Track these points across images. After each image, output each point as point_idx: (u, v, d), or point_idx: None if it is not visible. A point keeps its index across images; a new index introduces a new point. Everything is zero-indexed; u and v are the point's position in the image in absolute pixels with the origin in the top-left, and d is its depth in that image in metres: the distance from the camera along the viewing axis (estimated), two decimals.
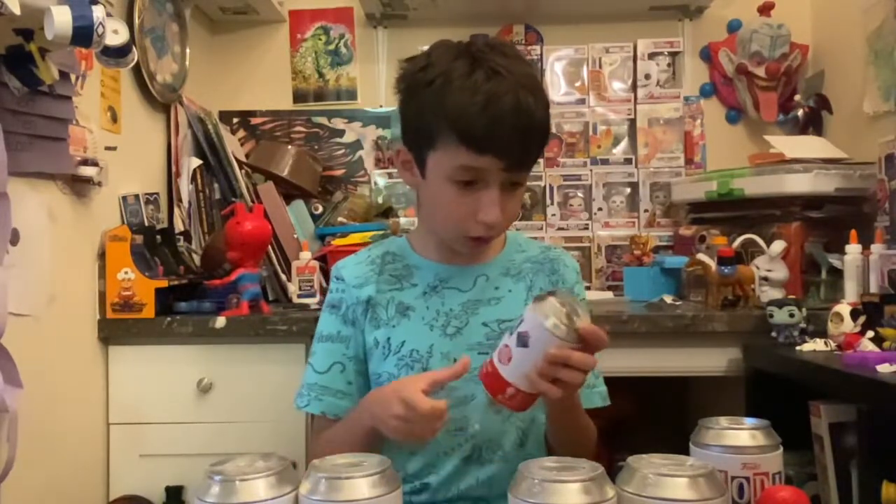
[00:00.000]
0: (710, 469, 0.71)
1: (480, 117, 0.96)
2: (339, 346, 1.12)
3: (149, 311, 1.60)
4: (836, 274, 1.67)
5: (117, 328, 1.61)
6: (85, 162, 1.51)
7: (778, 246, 1.69)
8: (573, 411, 1.05)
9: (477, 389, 1.04)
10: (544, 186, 2.24)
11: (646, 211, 2.23)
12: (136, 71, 1.80)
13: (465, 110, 0.96)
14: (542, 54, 2.28)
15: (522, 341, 0.85)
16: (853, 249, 1.58)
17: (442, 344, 1.09)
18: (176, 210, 1.91)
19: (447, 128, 0.98)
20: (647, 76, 2.26)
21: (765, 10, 2.23)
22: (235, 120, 2.35)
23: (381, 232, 1.95)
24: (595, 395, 1.16)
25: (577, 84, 2.28)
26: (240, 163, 2.05)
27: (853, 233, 1.60)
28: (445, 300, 1.11)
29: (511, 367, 0.87)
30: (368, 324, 1.12)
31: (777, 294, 1.66)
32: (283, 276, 1.95)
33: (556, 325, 0.84)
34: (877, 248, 1.56)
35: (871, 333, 1.36)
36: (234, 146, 2.14)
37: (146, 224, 1.76)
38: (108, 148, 1.62)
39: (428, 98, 1.00)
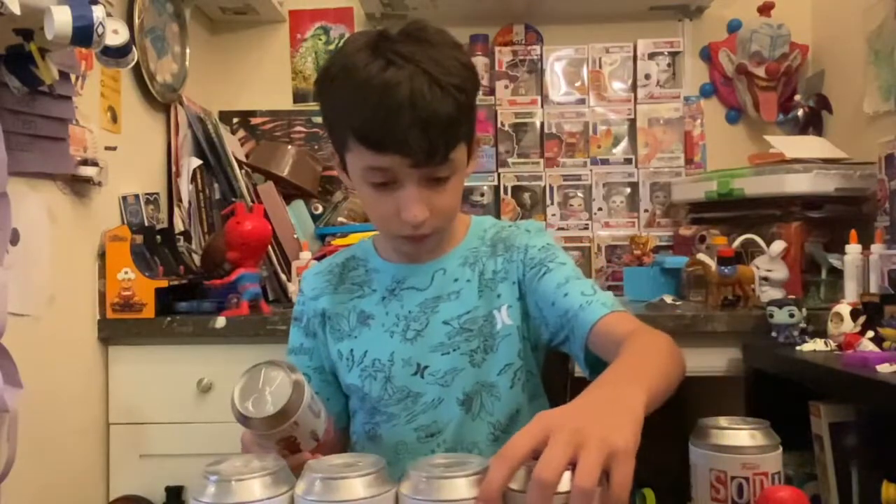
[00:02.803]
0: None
1: (374, 113, 0.88)
2: (303, 359, 1.11)
3: (149, 311, 1.60)
4: (836, 274, 1.67)
5: (117, 328, 1.61)
6: (85, 162, 1.51)
7: (778, 246, 1.69)
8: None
9: (443, 393, 1.02)
10: (544, 186, 2.24)
11: (646, 211, 2.23)
12: (136, 71, 1.80)
13: (358, 106, 0.89)
14: (542, 54, 2.28)
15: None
16: (853, 249, 1.58)
17: (403, 350, 1.04)
18: (176, 210, 1.91)
19: (347, 128, 0.91)
20: (647, 76, 2.26)
21: (765, 10, 2.23)
22: (235, 120, 2.35)
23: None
24: (596, 307, 0.97)
25: (577, 84, 2.28)
26: (240, 163, 2.05)
27: (853, 233, 1.60)
28: (404, 302, 1.06)
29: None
30: (330, 336, 1.08)
31: (777, 294, 1.66)
32: (283, 276, 1.95)
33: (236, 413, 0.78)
34: (877, 248, 1.56)
35: (871, 333, 1.36)
36: (234, 146, 2.14)
37: (146, 224, 1.76)
38: (108, 148, 1.63)
39: (331, 95, 0.94)
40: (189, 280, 1.74)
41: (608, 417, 0.63)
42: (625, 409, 0.65)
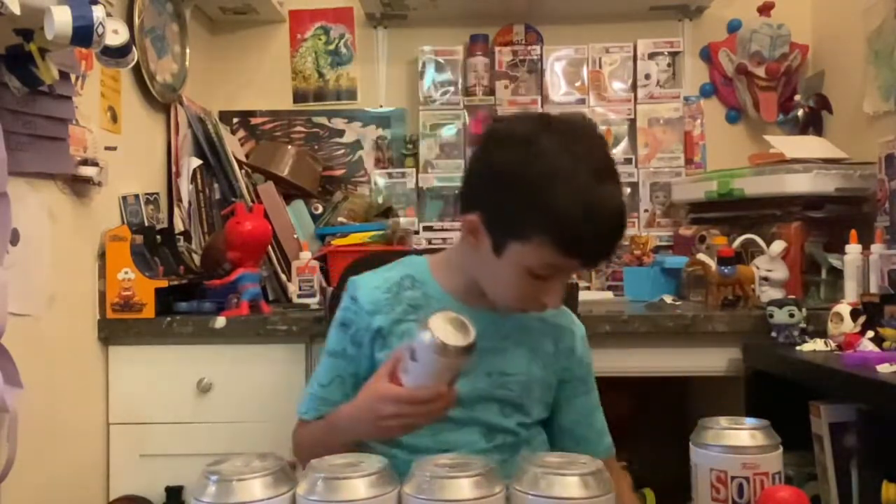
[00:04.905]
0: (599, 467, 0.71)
1: (583, 228, 0.94)
2: (342, 363, 1.12)
3: (149, 311, 1.60)
4: (836, 274, 1.67)
5: (117, 328, 1.61)
6: (85, 162, 1.51)
7: (778, 246, 1.69)
8: None
9: (470, 421, 1.08)
10: None
11: (646, 211, 2.23)
12: (136, 71, 1.80)
13: (569, 218, 0.94)
14: (542, 54, 2.28)
15: (413, 356, 0.91)
16: (853, 249, 1.58)
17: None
18: (176, 210, 1.91)
19: (544, 229, 0.95)
20: (647, 76, 2.26)
21: (765, 10, 2.23)
22: (235, 120, 2.35)
23: (380, 232, 1.95)
24: (605, 446, 1.18)
25: (577, 84, 2.28)
26: (240, 163, 2.05)
27: (853, 233, 1.60)
28: None
29: (407, 379, 0.93)
30: (376, 347, 1.10)
31: (777, 294, 1.66)
32: (283, 276, 1.95)
33: (440, 342, 0.88)
34: (877, 248, 1.56)
35: (871, 333, 1.36)
36: (234, 146, 2.14)
37: (146, 224, 1.76)
38: (108, 148, 1.62)
39: (528, 195, 0.96)
40: (189, 280, 1.74)
41: None
42: None
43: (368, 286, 1.12)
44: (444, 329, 0.88)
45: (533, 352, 1.13)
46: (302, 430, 1.16)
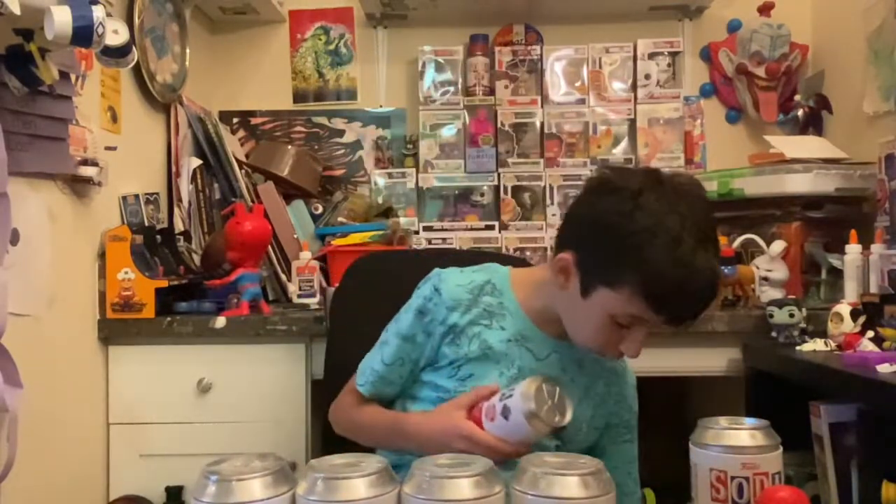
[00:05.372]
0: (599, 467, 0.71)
1: (676, 289, 0.96)
2: (409, 347, 1.14)
3: (149, 311, 1.60)
4: (836, 274, 1.67)
5: (117, 328, 1.61)
6: (85, 162, 1.51)
7: (778, 246, 1.69)
8: None
9: None
10: (544, 186, 2.24)
11: None
12: (136, 71, 1.80)
13: (664, 277, 0.96)
14: (542, 54, 2.28)
15: (505, 413, 0.96)
16: (853, 249, 1.58)
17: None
18: (176, 210, 1.91)
19: (637, 282, 0.97)
20: (647, 76, 2.26)
21: (765, 10, 2.23)
22: (235, 120, 2.35)
23: (380, 232, 1.95)
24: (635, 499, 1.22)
25: (577, 84, 2.28)
26: (240, 163, 2.05)
27: (853, 233, 1.60)
28: (521, 357, 1.12)
29: (490, 427, 0.98)
30: (446, 343, 1.12)
31: (777, 294, 1.66)
32: (283, 276, 1.95)
33: (536, 416, 0.92)
34: (877, 248, 1.56)
35: (871, 333, 1.36)
36: (234, 146, 2.14)
37: (146, 224, 1.76)
38: (108, 148, 1.62)
39: (627, 245, 0.98)
40: (189, 280, 1.74)
41: None
42: None
43: (453, 282, 1.13)
44: (541, 398, 0.93)
45: (585, 391, 1.15)
46: (351, 400, 1.19)
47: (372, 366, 1.16)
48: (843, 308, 1.42)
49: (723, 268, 1.67)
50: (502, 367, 1.11)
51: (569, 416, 0.94)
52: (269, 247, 1.87)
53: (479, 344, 1.11)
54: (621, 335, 1.04)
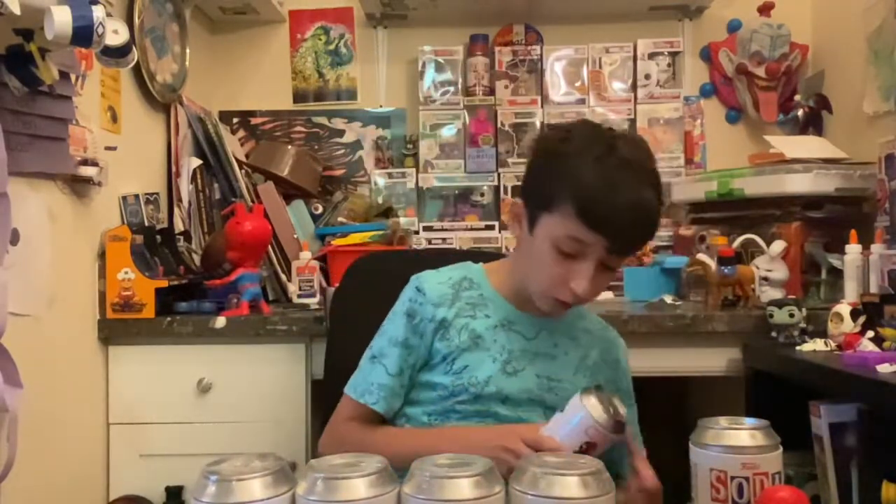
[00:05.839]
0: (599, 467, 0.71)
1: (604, 198, 1.01)
2: (404, 353, 1.15)
3: (149, 311, 1.60)
4: (836, 274, 1.67)
5: (117, 328, 1.61)
6: (85, 162, 1.51)
7: (778, 246, 1.68)
8: None
9: (515, 421, 1.12)
10: None
11: None
12: (136, 71, 1.80)
13: (592, 188, 1.01)
14: (542, 54, 2.28)
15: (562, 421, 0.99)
16: (853, 249, 1.58)
17: (498, 379, 1.12)
18: (176, 210, 1.91)
19: (569, 198, 1.02)
20: (647, 76, 2.26)
21: (765, 10, 2.23)
22: (235, 120, 2.35)
23: (380, 232, 1.95)
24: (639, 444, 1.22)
25: (577, 84, 2.28)
26: (240, 163, 2.05)
27: (853, 233, 1.60)
28: (511, 340, 1.15)
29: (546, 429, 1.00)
30: (438, 338, 1.14)
31: (777, 294, 1.66)
32: (283, 276, 1.95)
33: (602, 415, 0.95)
34: (877, 248, 1.56)
35: (871, 333, 1.36)
36: (234, 146, 2.14)
37: (146, 224, 1.76)
38: (108, 148, 1.62)
39: (559, 166, 1.05)
40: (189, 280, 1.74)
41: None
42: None
43: (434, 281, 1.17)
44: (597, 407, 0.95)
45: (581, 361, 1.18)
46: (356, 425, 1.16)
47: (377, 381, 1.14)
48: (843, 308, 1.42)
49: (723, 268, 1.67)
50: (493, 352, 1.13)
51: (623, 410, 0.97)
52: (269, 247, 1.87)
53: (468, 334, 1.13)
54: (570, 269, 1.05)
